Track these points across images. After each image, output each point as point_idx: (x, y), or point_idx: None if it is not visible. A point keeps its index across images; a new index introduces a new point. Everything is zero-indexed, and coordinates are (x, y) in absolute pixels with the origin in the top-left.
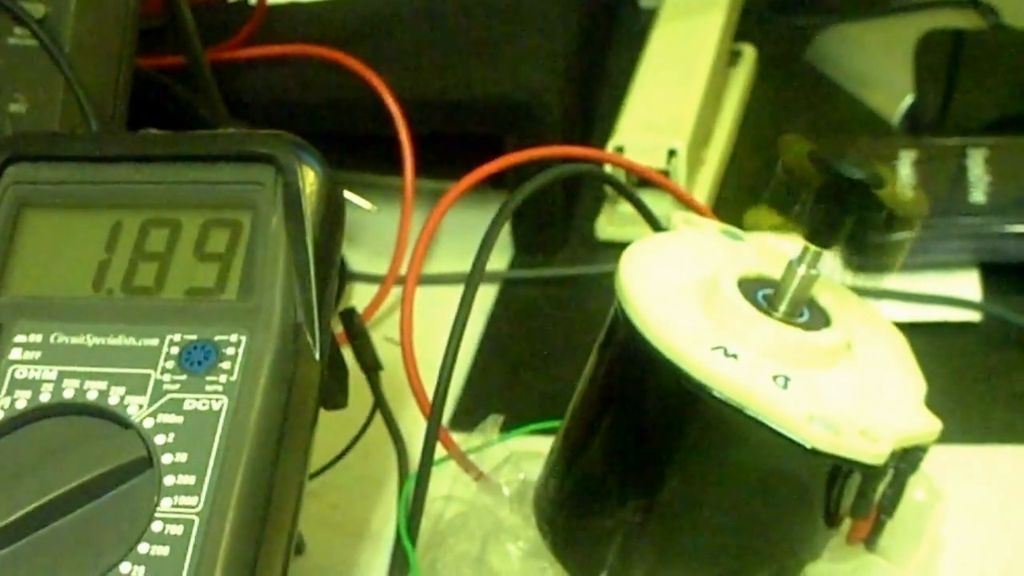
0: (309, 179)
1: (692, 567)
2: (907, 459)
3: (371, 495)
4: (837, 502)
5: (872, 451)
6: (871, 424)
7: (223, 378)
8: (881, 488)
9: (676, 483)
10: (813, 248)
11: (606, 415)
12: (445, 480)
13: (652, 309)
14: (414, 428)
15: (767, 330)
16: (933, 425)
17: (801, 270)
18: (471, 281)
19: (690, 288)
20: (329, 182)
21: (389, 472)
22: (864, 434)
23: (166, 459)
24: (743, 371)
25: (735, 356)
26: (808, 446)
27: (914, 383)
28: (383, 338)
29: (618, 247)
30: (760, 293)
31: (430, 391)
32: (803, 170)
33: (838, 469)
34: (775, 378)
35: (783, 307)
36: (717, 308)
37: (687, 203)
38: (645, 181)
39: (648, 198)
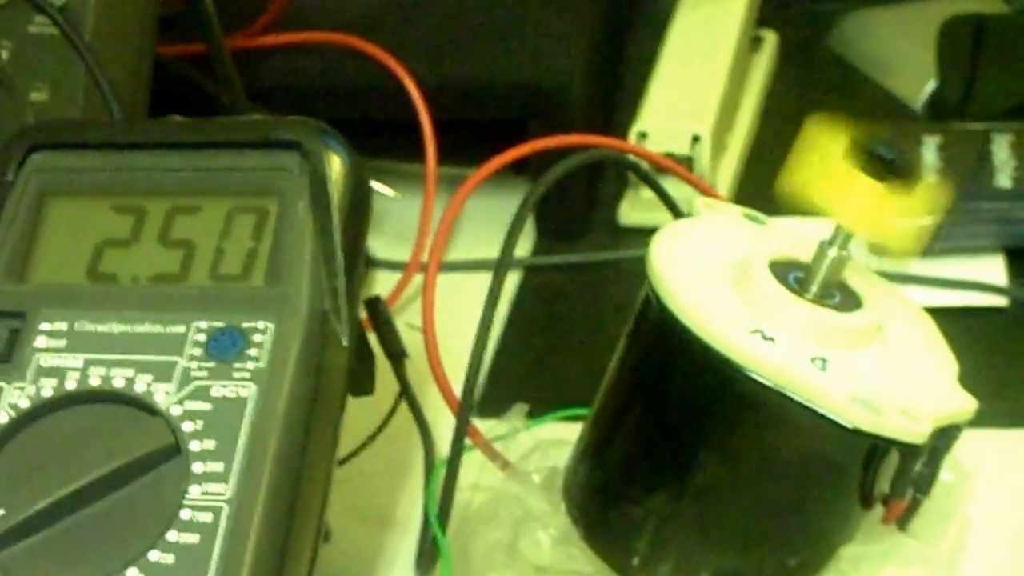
0: (335, 165)
1: (725, 552)
2: (943, 438)
3: (397, 482)
4: (872, 483)
5: (914, 430)
6: (910, 403)
7: (251, 365)
8: (917, 468)
9: (710, 468)
10: (844, 229)
11: (638, 401)
12: (472, 469)
13: (687, 294)
14: (439, 415)
15: (801, 312)
16: (969, 403)
17: (832, 251)
18: (496, 279)
19: (721, 272)
20: (355, 168)
21: (415, 459)
22: (904, 413)
23: (194, 446)
24: (782, 354)
25: (772, 339)
26: (850, 427)
27: (946, 362)
28: (405, 325)
29: (641, 233)
30: (791, 276)
31: (452, 378)
32: (834, 150)
33: (875, 449)
34: (813, 360)
35: (815, 289)
36: (750, 291)
37: (705, 191)
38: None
39: (670, 184)
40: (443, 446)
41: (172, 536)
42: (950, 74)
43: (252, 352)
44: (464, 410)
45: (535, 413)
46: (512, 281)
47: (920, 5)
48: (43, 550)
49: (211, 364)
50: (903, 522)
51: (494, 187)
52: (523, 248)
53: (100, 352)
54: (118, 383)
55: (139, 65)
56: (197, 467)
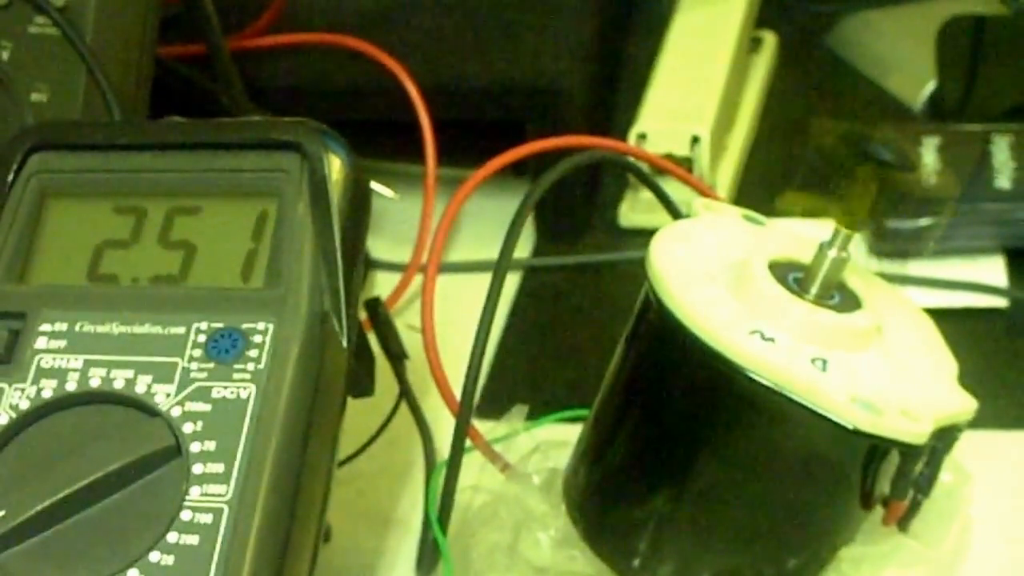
0: (335, 166)
1: (726, 553)
2: (943, 438)
3: (397, 482)
4: (872, 484)
5: (914, 430)
6: (910, 404)
7: (251, 366)
8: (917, 469)
9: (710, 469)
10: (844, 230)
11: (637, 402)
12: (472, 470)
13: (686, 294)
14: (439, 416)
15: (801, 313)
16: (969, 403)
17: (832, 252)
18: (495, 280)
19: (720, 273)
20: (355, 169)
21: (415, 459)
22: (904, 414)
23: (195, 447)
24: (782, 354)
25: (772, 339)
26: (850, 427)
27: (946, 363)
28: (406, 326)
29: (641, 234)
30: (791, 276)
31: (452, 379)
32: (835, 152)
33: (875, 450)
34: (813, 360)
35: (815, 290)
36: (750, 292)
37: (704, 192)
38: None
39: (669, 186)
40: (443, 447)
41: (172, 537)
42: (950, 74)
43: (252, 353)
44: (464, 411)
45: (535, 414)
46: (512, 282)
47: (920, 5)
48: (44, 551)
49: (211, 365)
50: (904, 523)
51: (494, 188)
52: (523, 249)
53: (100, 353)
54: (118, 384)
55: (139, 65)
56: (197, 468)
